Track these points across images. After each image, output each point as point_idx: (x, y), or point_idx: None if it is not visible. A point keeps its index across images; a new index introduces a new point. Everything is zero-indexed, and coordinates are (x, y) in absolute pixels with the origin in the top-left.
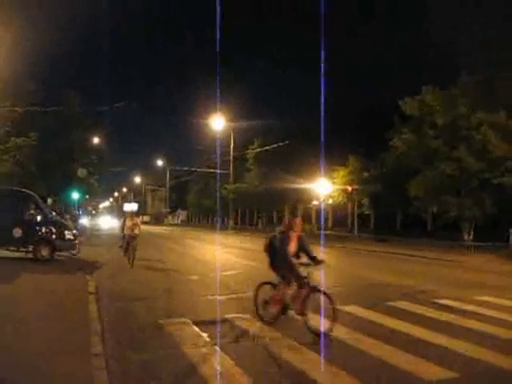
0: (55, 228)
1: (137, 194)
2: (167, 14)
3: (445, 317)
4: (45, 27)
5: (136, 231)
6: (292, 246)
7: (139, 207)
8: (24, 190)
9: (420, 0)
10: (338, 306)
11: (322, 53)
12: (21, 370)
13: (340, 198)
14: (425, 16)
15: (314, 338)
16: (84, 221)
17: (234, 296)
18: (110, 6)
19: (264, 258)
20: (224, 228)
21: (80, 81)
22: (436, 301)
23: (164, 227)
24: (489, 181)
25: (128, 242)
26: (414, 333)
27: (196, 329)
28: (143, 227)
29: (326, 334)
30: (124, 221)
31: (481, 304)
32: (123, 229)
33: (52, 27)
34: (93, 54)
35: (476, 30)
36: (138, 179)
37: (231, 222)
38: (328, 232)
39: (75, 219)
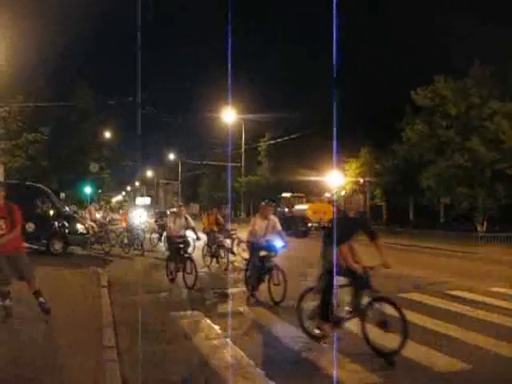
0: (68, 222)
1: (149, 188)
2: (178, 4)
3: (457, 308)
4: (55, 22)
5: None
6: None
7: (152, 201)
8: (36, 184)
9: None
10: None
11: (334, 48)
12: (34, 362)
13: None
14: (438, 4)
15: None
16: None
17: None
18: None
19: None
20: (236, 221)
21: (91, 75)
22: (448, 292)
23: None
24: (502, 171)
25: None
26: (426, 324)
27: (208, 321)
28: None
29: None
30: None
31: (494, 295)
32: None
33: (62, 22)
34: (103, 48)
35: (489, 19)
36: (150, 173)
37: (243, 215)
38: None
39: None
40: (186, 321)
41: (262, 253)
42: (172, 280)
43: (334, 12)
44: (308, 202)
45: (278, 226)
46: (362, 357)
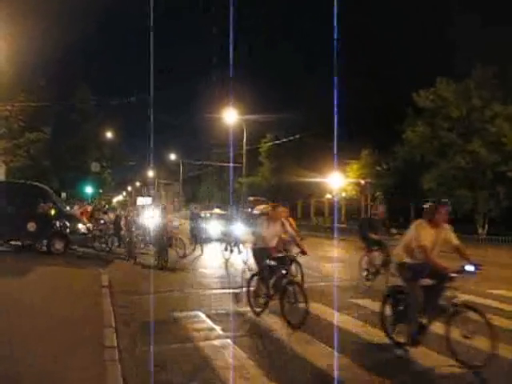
0: (69, 222)
1: (150, 189)
2: (178, 6)
3: None
4: (56, 21)
5: None
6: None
7: (153, 201)
8: (37, 183)
9: None
10: (351, 300)
11: (335, 51)
12: (34, 362)
13: (353, 192)
14: (439, 6)
15: (328, 332)
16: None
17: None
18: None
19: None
20: None
21: (93, 75)
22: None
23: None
24: (503, 174)
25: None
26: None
27: (209, 322)
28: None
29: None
30: None
31: (495, 297)
32: None
33: (63, 21)
34: (105, 47)
35: (491, 21)
36: (150, 173)
37: None
38: (341, 225)
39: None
40: (188, 321)
41: (427, 281)
42: (258, 313)
43: (335, 14)
44: (267, 204)
45: (455, 239)
46: (362, 357)
